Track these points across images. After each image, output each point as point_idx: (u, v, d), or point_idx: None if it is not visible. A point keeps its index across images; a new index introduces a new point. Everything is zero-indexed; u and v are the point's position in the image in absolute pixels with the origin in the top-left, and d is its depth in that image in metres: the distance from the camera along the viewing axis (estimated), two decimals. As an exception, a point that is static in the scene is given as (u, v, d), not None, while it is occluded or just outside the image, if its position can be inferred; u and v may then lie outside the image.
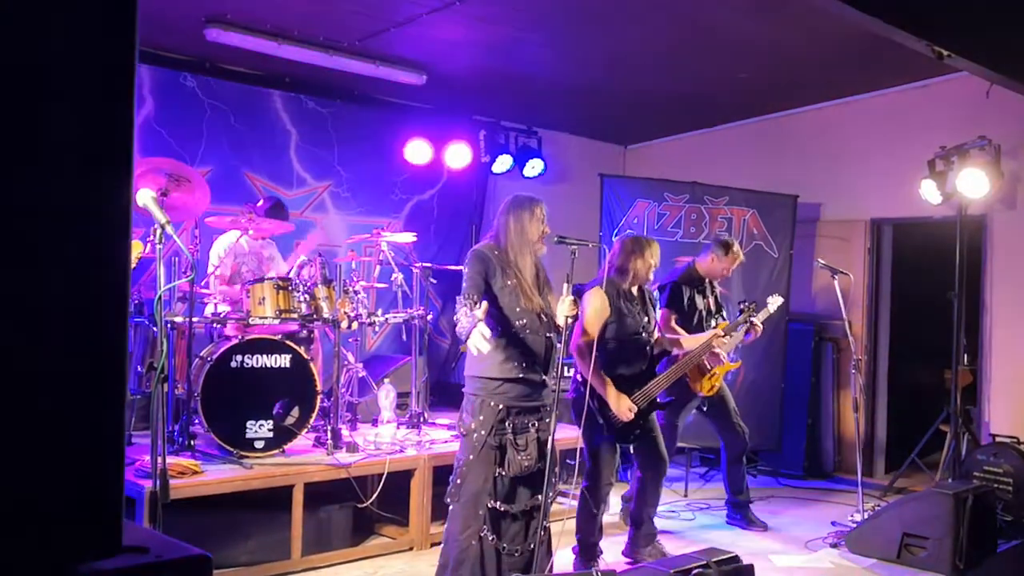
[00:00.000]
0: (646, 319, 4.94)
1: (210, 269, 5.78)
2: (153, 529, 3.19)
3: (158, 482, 3.12)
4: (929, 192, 6.62)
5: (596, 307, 4.72)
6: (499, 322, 3.99)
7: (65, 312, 1.15)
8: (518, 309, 3.99)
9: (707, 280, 5.91)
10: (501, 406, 3.95)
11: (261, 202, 6.17)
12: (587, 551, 4.88)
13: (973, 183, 6.39)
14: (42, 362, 1.13)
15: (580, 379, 4.82)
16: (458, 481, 4.01)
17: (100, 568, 1.16)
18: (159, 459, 3.17)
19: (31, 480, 1.12)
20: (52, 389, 1.14)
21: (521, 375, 3.97)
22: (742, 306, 5.65)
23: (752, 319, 5.58)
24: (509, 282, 4.00)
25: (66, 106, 1.18)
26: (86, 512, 1.15)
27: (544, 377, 4.05)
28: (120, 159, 1.21)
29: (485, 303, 3.81)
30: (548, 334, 4.05)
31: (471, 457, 3.97)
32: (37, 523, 1.12)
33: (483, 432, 3.95)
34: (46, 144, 1.16)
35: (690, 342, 5.33)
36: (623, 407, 4.68)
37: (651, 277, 5.00)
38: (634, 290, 4.94)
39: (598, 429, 4.75)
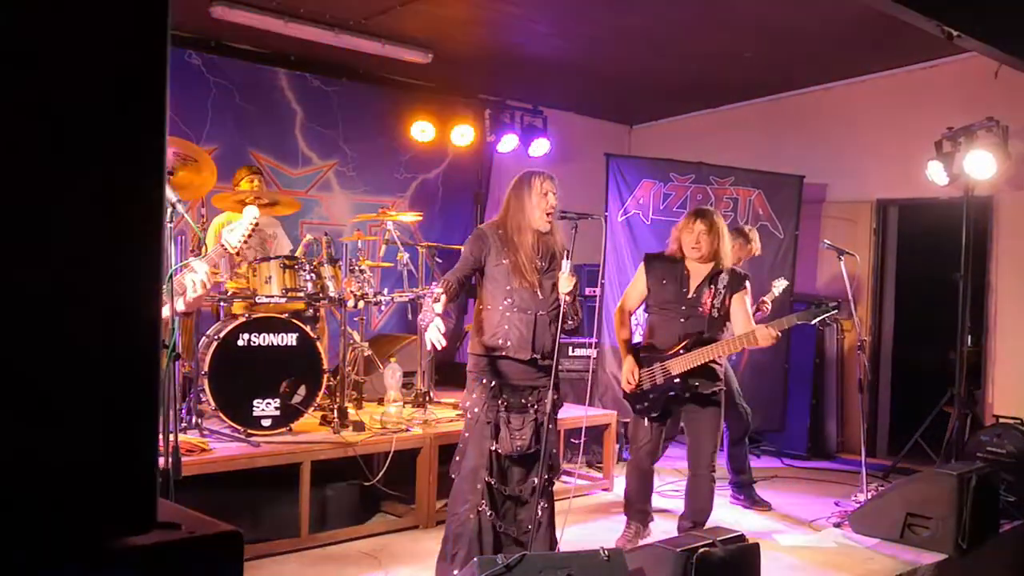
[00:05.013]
0: (693, 294, 4.73)
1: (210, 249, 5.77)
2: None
3: (170, 458, 3.13)
4: (936, 173, 6.59)
5: (634, 278, 4.97)
6: (488, 300, 4.05)
7: (100, 290, 1.15)
8: (508, 288, 4.00)
9: None
10: (493, 383, 4.00)
11: None
12: (630, 513, 5.01)
13: (980, 164, 6.36)
14: (76, 335, 1.14)
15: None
16: (457, 458, 4.08)
17: (134, 544, 1.17)
18: (171, 435, 3.18)
19: (65, 455, 1.12)
20: (86, 362, 1.15)
21: (505, 354, 4.00)
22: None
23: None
24: (504, 261, 4.01)
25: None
26: (120, 487, 1.16)
27: (535, 356, 4.02)
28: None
29: (444, 298, 3.87)
30: (541, 312, 4.03)
31: (467, 434, 4.06)
32: (71, 498, 1.13)
33: (476, 409, 4.01)
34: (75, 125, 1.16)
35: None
36: (624, 373, 4.79)
37: (692, 254, 4.73)
38: (694, 263, 4.76)
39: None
